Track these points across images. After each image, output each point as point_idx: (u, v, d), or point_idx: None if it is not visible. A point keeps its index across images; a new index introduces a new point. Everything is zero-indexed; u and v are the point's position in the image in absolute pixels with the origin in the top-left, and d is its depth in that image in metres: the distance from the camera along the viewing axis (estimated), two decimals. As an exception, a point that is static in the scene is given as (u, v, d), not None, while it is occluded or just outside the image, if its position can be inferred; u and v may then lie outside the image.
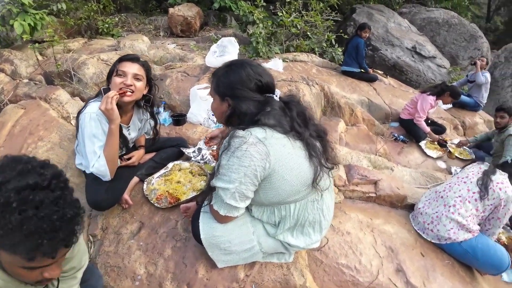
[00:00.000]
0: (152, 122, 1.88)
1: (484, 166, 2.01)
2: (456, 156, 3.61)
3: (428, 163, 3.53)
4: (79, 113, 1.61)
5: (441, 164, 3.55)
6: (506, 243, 2.17)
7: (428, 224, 1.92)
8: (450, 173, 3.33)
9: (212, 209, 1.21)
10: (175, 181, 1.88)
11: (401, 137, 3.75)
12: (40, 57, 3.68)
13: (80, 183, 1.84)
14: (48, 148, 1.95)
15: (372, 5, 7.53)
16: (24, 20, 3.30)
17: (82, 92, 2.90)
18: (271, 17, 4.82)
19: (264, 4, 4.68)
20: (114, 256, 1.58)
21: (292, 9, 4.74)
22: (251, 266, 1.42)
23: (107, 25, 5.11)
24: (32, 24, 3.39)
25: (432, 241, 1.88)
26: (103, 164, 1.54)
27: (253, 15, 4.20)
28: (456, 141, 3.86)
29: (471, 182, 1.91)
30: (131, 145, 1.93)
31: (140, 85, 1.63)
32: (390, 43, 6.38)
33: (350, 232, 1.75)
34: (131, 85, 1.57)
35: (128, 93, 1.57)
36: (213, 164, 2.08)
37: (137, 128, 1.85)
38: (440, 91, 3.61)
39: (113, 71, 1.57)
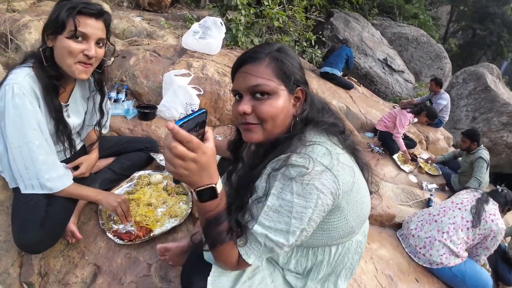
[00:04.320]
0: (98, 114, 1.36)
1: (478, 194, 2.10)
2: (425, 172, 3.73)
3: (402, 177, 3.61)
4: None
5: (413, 178, 3.66)
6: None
7: (420, 248, 1.96)
8: (422, 187, 3.45)
9: (242, 261, 0.77)
10: (144, 202, 1.38)
11: (377, 148, 3.75)
12: None
13: (6, 200, 1.29)
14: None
15: (348, 12, 7.55)
16: None
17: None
18: (254, 6, 4.40)
19: (248, -10, 4.24)
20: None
21: (277, 1, 4.39)
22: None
23: (59, -15, 4.19)
24: None
25: (424, 265, 1.94)
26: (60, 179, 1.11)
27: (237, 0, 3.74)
28: (424, 156, 4.01)
29: (465, 209, 1.99)
30: (78, 146, 1.38)
31: (101, 53, 1.13)
32: (363, 52, 6.42)
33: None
34: (94, 56, 1.07)
35: (88, 67, 1.09)
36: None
37: (81, 111, 1.31)
38: (419, 110, 3.73)
39: (61, 25, 1.01)
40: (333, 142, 0.79)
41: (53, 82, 1.09)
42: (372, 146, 3.72)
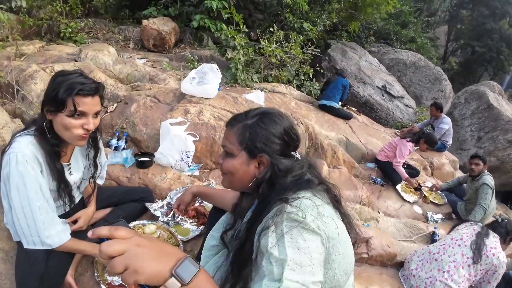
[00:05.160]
0: (92, 168, 1.44)
1: (478, 228, 2.06)
2: (430, 201, 3.65)
3: (406, 208, 3.53)
4: (2, 152, 1.17)
5: (417, 209, 3.58)
6: None
7: None
8: (427, 219, 3.36)
9: None
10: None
11: (379, 180, 3.72)
12: None
13: (11, 250, 1.36)
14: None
15: (345, 42, 7.81)
16: None
17: (25, 113, 2.33)
18: (251, 44, 4.64)
19: (246, 30, 4.49)
20: None
21: (274, 39, 4.62)
22: None
23: (70, 30, 4.54)
24: None
25: None
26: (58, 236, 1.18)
27: (234, 40, 3.96)
28: (429, 184, 3.93)
29: (465, 246, 1.94)
30: (77, 198, 1.46)
31: (97, 121, 1.24)
32: (362, 80, 6.56)
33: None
34: (92, 129, 1.18)
35: (86, 136, 1.21)
36: (187, 225, 1.67)
37: (81, 167, 1.40)
38: (418, 138, 3.72)
39: (61, 104, 1.10)
40: (317, 196, 0.85)
41: (56, 149, 1.20)
42: (374, 177, 3.69)
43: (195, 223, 1.69)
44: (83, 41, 4.67)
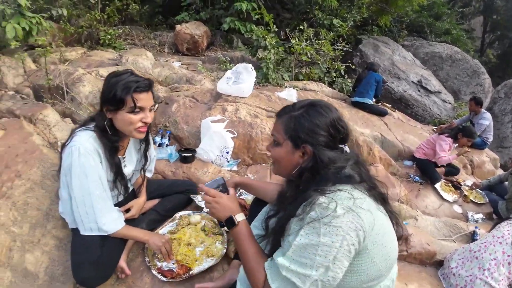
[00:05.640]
0: (143, 160, 1.57)
1: None
2: (471, 200, 3.50)
3: (445, 208, 3.39)
4: (63, 146, 1.30)
5: (457, 209, 3.43)
6: None
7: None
8: (467, 219, 3.23)
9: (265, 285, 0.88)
10: (185, 242, 1.52)
11: (417, 178, 3.60)
12: (33, 66, 3.34)
13: (65, 238, 1.49)
14: (26, 188, 1.58)
15: (376, 36, 7.57)
16: (18, 23, 2.98)
17: (74, 113, 2.55)
18: (282, 43, 4.68)
19: (276, 29, 4.54)
20: None
21: (304, 37, 4.62)
22: None
23: (109, 36, 4.86)
24: (27, 28, 3.06)
25: None
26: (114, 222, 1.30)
27: (265, 40, 4.03)
28: (469, 182, 3.77)
29: (506, 243, 1.90)
30: (130, 187, 1.60)
31: (153, 115, 1.37)
32: (396, 76, 6.33)
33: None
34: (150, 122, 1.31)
35: (145, 129, 1.34)
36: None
37: (134, 160, 1.53)
38: (455, 133, 3.59)
39: (121, 102, 1.23)
40: (358, 189, 0.87)
41: (115, 145, 1.33)
42: (412, 176, 3.58)
43: (236, 215, 1.77)
44: (122, 47, 4.97)
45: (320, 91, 4.35)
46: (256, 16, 4.93)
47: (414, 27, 9.55)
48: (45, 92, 2.77)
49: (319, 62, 4.64)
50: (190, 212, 1.74)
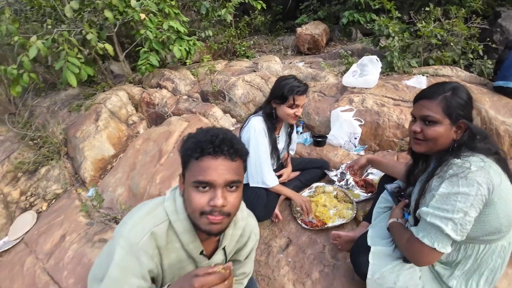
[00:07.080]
0: (288, 139, 2.04)
1: None
2: None
3: None
4: (241, 128, 1.88)
5: None
6: None
7: None
8: None
9: (416, 244, 1.06)
10: (321, 204, 1.94)
11: None
12: (192, 77, 4.48)
13: None
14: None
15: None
16: (180, 46, 3.93)
17: (232, 109, 3.39)
18: (407, 28, 4.41)
19: (399, 15, 4.33)
20: (264, 266, 1.75)
21: (432, 18, 4.20)
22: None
23: (243, 48, 5.83)
24: (187, 49, 4.03)
25: None
26: (273, 180, 1.81)
27: (388, 28, 3.95)
28: None
29: None
30: (281, 158, 2.13)
31: (301, 110, 1.83)
32: None
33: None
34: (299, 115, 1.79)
35: (296, 118, 1.85)
36: (357, 191, 2.05)
37: (283, 140, 2.03)
38: None
39: (285, 99, 1.73)
40: (489, 158, 1.05)
41: (275, 126, 1.87)
42: None
43: (364, 190, 2.05)
44: (253, 56, 5.85)
45: (455, 76, 3.88)
46: (376, 6, 4.82)
47: None
48: (209, 96, 3.75)
49: (452, 44, 4.11)
50: (324, 183, 2.15)
